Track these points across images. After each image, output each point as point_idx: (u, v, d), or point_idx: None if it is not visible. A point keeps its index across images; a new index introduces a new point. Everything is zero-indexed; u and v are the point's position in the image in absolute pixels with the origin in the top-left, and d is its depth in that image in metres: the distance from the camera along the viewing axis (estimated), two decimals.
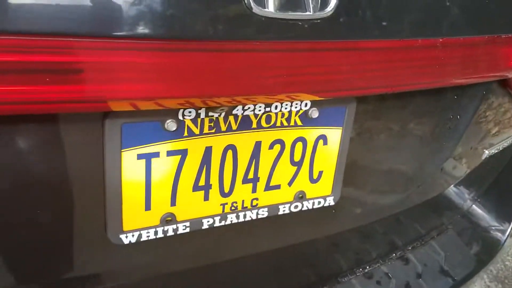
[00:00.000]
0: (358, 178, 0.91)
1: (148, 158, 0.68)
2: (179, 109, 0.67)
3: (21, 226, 0.66)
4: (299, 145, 0.81)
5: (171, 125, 0.67)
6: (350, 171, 0.87)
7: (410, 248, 1.10)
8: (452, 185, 1.15)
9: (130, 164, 0.67)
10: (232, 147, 0.75)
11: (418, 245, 1.13)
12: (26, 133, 0.60)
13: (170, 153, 0.70)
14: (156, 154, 0.69)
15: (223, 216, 0.79)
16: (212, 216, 0.78)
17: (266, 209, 0.82)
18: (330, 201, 0.89)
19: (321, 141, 0.83)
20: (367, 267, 1.03)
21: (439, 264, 1.13)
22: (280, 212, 0.84)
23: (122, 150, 0.66)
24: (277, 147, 0.79)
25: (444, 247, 1.15)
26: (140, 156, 0.68)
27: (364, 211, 0.95)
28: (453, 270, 1.13)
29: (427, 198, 1.07)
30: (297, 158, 0.82)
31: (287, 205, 0.84)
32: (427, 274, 1.10)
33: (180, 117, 0.67)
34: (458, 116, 0.98)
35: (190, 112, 0.67)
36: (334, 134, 0.83)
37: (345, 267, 0.98)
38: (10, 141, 0.59)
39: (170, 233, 0.75)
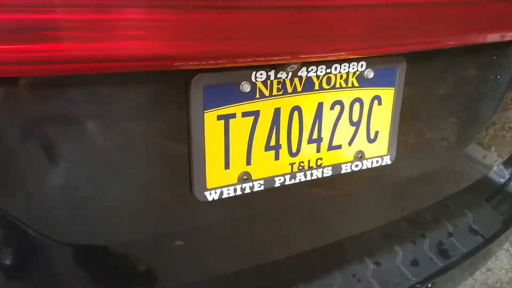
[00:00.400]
0: (411, 138, 0.96)
1: (226, 119, 0.76)
2: (252, 71, 0.74)
3: (114, 185, 0.73)
4: (356, 106, 0.87)
5: (245, 86, 0.74)
6: (403, 131, 0.93)
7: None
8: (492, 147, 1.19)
9: (211, 124, 0.75)
10: (297, 108, 0.81)
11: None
12: (120, 95, 0.68)
13: (244, 114, 0.77)
14: (233, 115, 0.76)
15: (292, 175, 0.85)
16: (283, 175, 0.84)
17: (330, 168, 0.88)
18: (387, 160, 0.94)
19: (376, 102, 0.89)
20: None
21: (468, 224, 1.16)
22: (343, 171, 0.90)
23: (205, 111, 0.73)
24: (337, 108, 0.85)
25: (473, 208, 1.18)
26: (219, 117, 0.75)
27: (418, 170, 1.00)
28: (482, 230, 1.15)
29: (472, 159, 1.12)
30: (355, 118, 0.88)
31: (349, 164, 0.90)
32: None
33: (253, 79, 0.75)
34: (499, 76, 1.03)
35: (261, 74, 0.75)
36: (387, 95, 0.90)
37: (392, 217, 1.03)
38: (106, 103, 0.68)
39: (247, 190, 0.81)
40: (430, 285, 1.03)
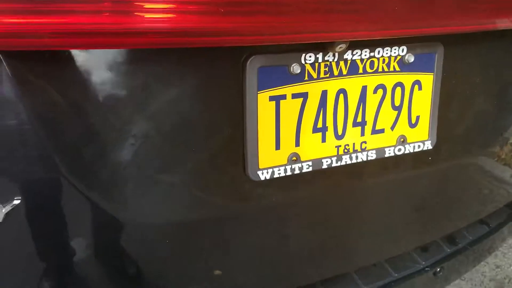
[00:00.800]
0: (451, 124, 0.98)
1: (277, 100, 0.79)
2: (302, 53, 0.78)
3: (171, 165, 0.77)
4: (398, 90, 0.90)
5: (295, 68, 0.78)
6: (443, 116, 0.96)
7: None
8: None
9: (264, 105, 0.78)
10: (343, 91, 0.85)
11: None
12: (177, 74, 0.72)
13: (294, 96, 0.80)
14: (283, 97, 0.80)
15: (339, 157, 0.88)
16: (330, 157, 0.87)
17: (374, 151, 0.91)
18: (428, 145, 0.96)
19: (416, 87, 0.92)
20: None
21: None
22: (386, 155, 0.92)
23: (258, 92, 0.77)
24: (380, 91, 0.88)
25: None
26: (271, 98, 0.79)
27: (459, 155, 1.01)
28: None
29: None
30: (397, 102, 0.91)
31: (392, 148, 0.93)
32: None
33: (302, 61, 0.79)
34: None
35: (310, 56, 0.79)
36: (427, 80, 0.93)
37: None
38: (163, 84, 0.71)
39: (296, 171, 0.84)
40: None
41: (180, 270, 0.81)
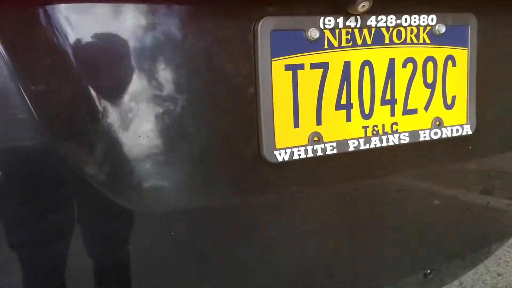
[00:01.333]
0: (492, 106, 0.88)
1: (294, 69, 0.70)
2: (320, 17, 0.70)
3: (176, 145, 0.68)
4: (430, 65, 0.80)
5: (313, 33, 0.70)
6: (482, 97, 0.85)
7: None
8: None
9: (279, 75, 0.70)
10: (368, 63, 0.76)
11: None
12: (178, 38, 0.64)
13: (313, 66, 0.72)
14: (301, 66, 0.71)
15: (367, 139, 0.77)
16: (357, 139, 0.76)
17: (407, 134, 0.80)
18: (467, 130, 0.85)
19: (449, 62, 0.82)
20: None
21: None
22: (421, 138, 0.81)
23: (272, 60, 0.69)
24: (410, 66, 0.79)
25: None
26: (287, 67, 0.70)
27: (504, 144, 0.89)
28: None
29: None
30: (429, 79, 0.81)
31: (427, 131, 0.82)
32: None
33: (321, 26, 0.70)
34: None
35: (329, 20, 0.70)
36: (461, 56, 0.83)
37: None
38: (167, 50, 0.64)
39: (319, 153, 0.73)
40: None
41: (188, 264, 0.70)
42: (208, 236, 0.70)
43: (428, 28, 0.79)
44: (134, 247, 0.66)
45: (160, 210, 0.66)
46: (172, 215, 0.67)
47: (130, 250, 0.66)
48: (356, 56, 0.74)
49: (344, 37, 0.73)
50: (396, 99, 0.79)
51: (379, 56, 0.76)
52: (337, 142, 0.75)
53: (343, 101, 0.75)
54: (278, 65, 0.70)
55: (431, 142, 0.82)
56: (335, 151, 0.75)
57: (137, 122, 0.64)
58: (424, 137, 0.82)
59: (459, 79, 0.84)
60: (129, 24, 0.61)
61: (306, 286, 0.84)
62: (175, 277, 0.70)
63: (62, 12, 0.58)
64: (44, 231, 0.63)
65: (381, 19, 0.74)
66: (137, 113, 0.64)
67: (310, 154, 0.73)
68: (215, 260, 0.71)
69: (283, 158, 0.71)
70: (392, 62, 0.78)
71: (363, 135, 0.77)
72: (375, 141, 0.78)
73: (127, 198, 0.66)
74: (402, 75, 0.79)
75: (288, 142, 0.72)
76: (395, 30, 0.76)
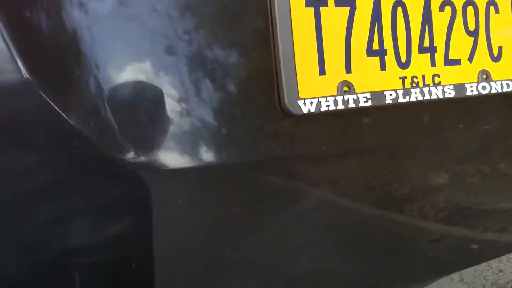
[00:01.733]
0: None
1: (316, 6, 0.60)
2: None
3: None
4: (470, 10, 0.70)
5: None
6: None
7: None
8: None
9: (299, 13, 0.59)
10: (401, 3, 0.65)
11: None
12: None
13: (338, 4, 0.61)
14: (324, 3, 0.61)
15: (406, 91, 0.66)
16: (394, 90, 0.65)
17: (452, 87, 0.68)
18: None
19: (492, 8, 0.72)
20: None
21: None
22: (468, 93, 0.69)
23: None
24: (448, 9, 0.69)
25: None
26: (308, 4, 0.60)
27: None
28: None
29: None
30: (471, 26, 0.70)
31: (474, 85, 0.70)
32: None
33: None
34: None
35: None
36: (504, 2, 0.73)
37: None
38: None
39: (351, 104, 0.62)
40: None
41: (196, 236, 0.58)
42: (220, 200, 0.57)
43: None
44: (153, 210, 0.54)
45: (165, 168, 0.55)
46: (184, 174, 0.55)
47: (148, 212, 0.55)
48: None
49: None
50: (435, 46, 0.68)
51: None
52: (372, 93, 0.64)
53: (375, 46, 0.64)
54: (297, 1, 0.60)
55: (478, 98, 0.71)
56: (369, 103, 0.63)
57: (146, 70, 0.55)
58: (471, 91, 0.70)
59: (504, 28, 0.73)
60: None
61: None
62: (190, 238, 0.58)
63: None
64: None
65: None
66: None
67: (341, 106, 0.61)
68: (231, 225, 0.58)
69: (309, 109, 0.60)
70: (427, 4, 0.67)
71: (401, 87, 0.66)
72: (415, 93, 0.67)
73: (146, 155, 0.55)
74: (440, 20, 0.68)
75: (314, 91, 0.61)
76: None
